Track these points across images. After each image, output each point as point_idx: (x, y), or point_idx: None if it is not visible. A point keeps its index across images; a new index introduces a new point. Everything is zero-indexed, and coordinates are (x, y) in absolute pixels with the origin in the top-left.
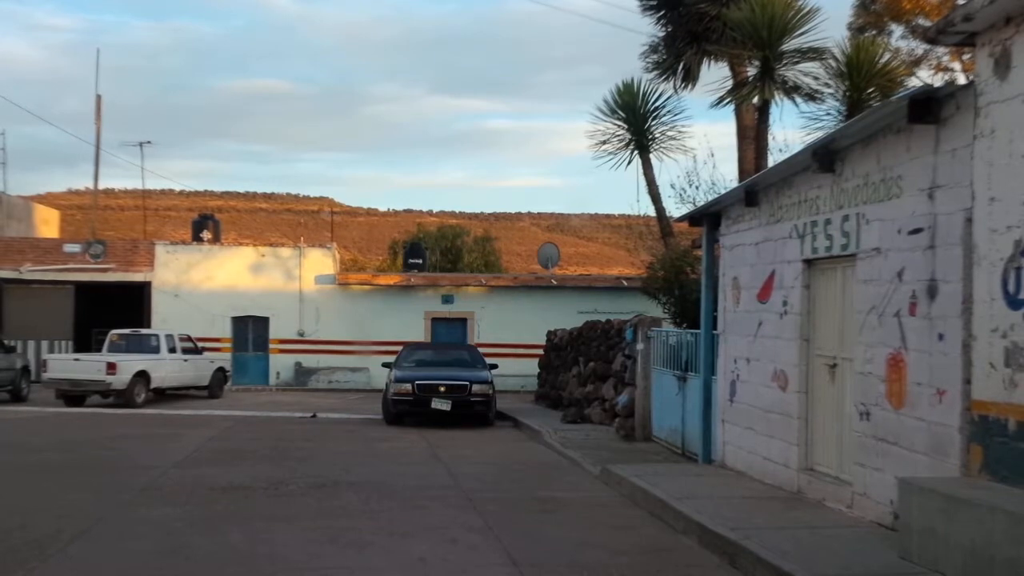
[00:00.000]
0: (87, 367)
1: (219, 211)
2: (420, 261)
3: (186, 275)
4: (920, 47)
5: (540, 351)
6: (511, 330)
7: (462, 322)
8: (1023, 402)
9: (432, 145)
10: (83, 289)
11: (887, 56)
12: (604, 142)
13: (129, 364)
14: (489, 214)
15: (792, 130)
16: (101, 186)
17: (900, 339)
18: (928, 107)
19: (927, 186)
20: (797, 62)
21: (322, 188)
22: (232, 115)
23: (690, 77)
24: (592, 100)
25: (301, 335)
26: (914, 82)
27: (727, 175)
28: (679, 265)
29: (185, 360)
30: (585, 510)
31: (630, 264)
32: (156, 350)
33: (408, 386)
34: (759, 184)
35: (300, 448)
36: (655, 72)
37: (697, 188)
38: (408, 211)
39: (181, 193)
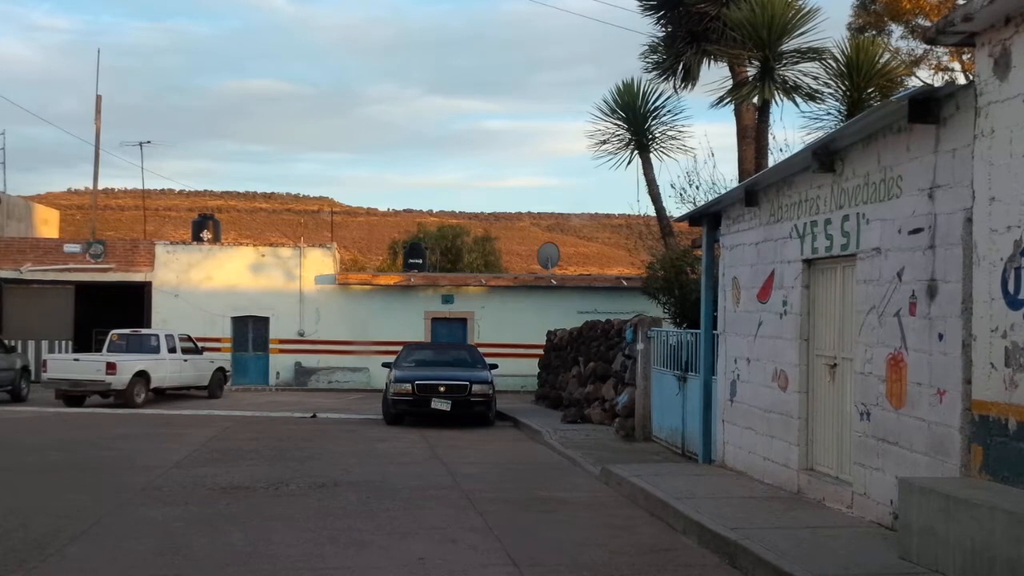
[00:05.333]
0: (87, 367)
1: (219, 211)
2: (420, 261)
3: (186, 275)
4: (920, 47)
5: (540, 351)
6: (511, 330)
7: (462, 322)
8: (1023, 402)
9: (430, 145)
10: (83, 289)
11: (887, 56)
12: (604, 142)
13: (129, 364)
14: (489, 214)
15: (792, 130)
16: (101, 186)
17: (900, 339)
18: (928, 107)
19: (927, 186)
20: (797, 62)
21: (321, 188)
22: (230, 115)
23: (690, 77)
24: (589, 100)
25: (301, 335)
26: (914, 82)
27: (727, 175)
28: (679, 265)
29: (185, 360)
30: (585, 510)
31: (630, 264)
32: (156, 350)
33: (408, 386)
34: (759, 184)
35: (300, 448)
36: (655, 72)
37: (697, 188)
38: (408, 211)
39: (181, 193)
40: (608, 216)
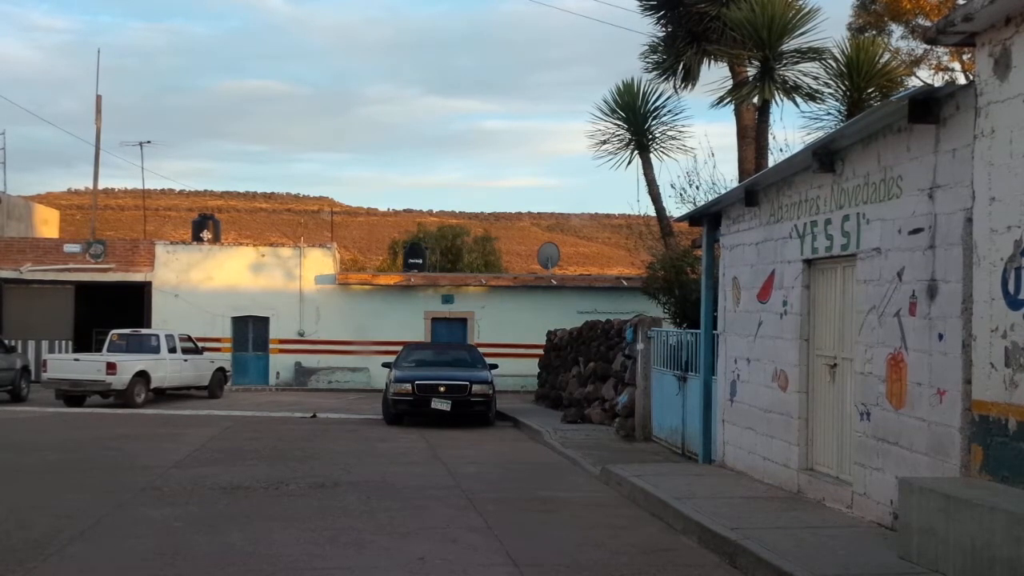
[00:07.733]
0: (87, 367)
1: (219, 211)
2: (420, 261)
3: (186, 275)
4: (920, 47)
5: (540, 351)
6: (511, 330)
7: (462, 322)
8: (1023, 402)
9: (429, 145)
10: (83, 289)
11: (887, 56)
12: (604, 142)
13: (129, 364)
14: (489, 214)
15: (792, 130)
16: (101, 186)
17: (900, 339)
18: (928, 107)
19: (927, 186)
20: (797, 62)
21: (320, 188)
22: (229, 115)
23: (690, 77)
24: (588, 101)
25: (301, 335)
26: (914, 82)
27: (727, 175)
28: (679, 265)
29: (185, 360)
30: (585, 510)
31: (630, 264)
32: (156, 350)
33: (408, 386)
34: (759, 184)
35: (300, 448)
36: (655, 72)
37: (697, 188)
38: (408, 211)
39: (181, 193)
40: (608, 216)
